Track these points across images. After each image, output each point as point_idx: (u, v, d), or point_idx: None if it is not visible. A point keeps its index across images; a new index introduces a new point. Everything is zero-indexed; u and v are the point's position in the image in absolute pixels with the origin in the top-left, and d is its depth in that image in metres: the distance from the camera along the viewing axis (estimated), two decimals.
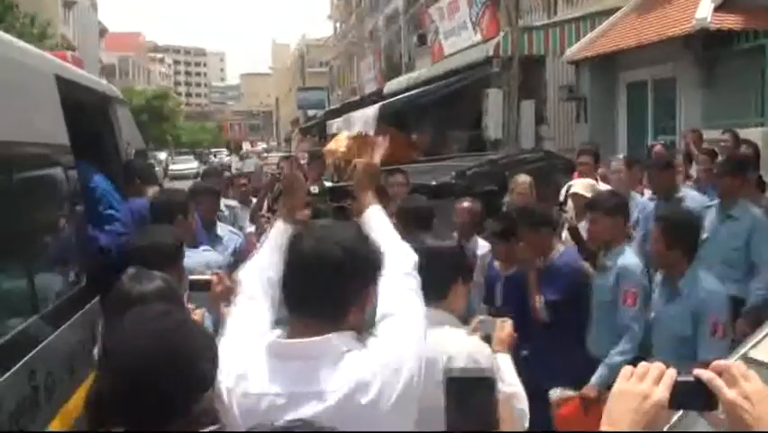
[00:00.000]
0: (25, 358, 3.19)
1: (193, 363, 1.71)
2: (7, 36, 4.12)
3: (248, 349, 1.92)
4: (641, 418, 1.37)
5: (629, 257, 4.28)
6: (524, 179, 6.31)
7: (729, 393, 1.38)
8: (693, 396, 1.40)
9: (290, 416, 1.71)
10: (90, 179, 4.90)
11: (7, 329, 3.20)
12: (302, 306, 1.87)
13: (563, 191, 6.89)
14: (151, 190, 5.37)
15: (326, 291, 1.85)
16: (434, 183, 7.39)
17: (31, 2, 27.66)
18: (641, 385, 1.39)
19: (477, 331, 2.65)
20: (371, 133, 17.65)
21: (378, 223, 2.37)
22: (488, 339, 2.60)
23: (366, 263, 1.90)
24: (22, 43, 4.46)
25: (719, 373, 1.40)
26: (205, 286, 3.15)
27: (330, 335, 1.83)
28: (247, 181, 8.76)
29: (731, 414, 1.38)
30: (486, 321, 2.74)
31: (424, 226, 4.39)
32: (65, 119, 4.44)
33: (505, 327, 2.69)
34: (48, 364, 3.41)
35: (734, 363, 1.43)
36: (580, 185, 6.06)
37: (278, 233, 2.35)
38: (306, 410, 1.75)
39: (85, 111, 5.32)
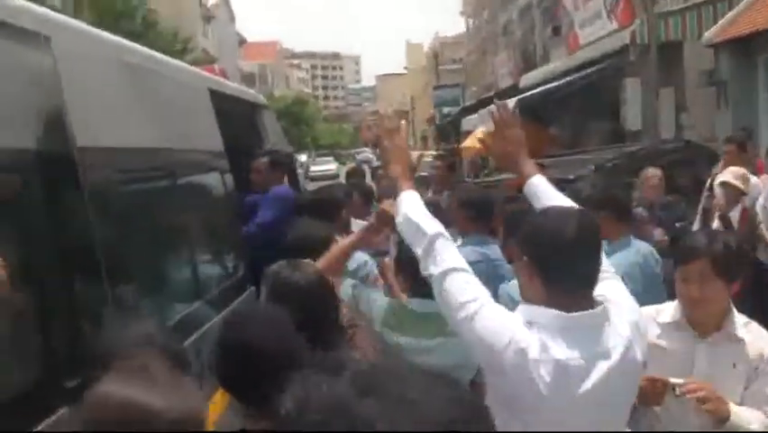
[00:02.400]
0: (192, 337, 3.57)
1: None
2: (170, 59, 4.62)
3: (517, 321, 2.06)
4: None
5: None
6: (653, 171, 6.22)
7: None
8: None
9: (590, 376, 1.98)
10: None
11: (179, 310, 3.63)
12: (586, 280, 2.09)
13: (710, 181, 6.72)
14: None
15: (597, 266, 2.12)
16: (571, 177, 7.45)
17: (172, 17, 29.31)
18: None
19: None
20: None
21: (547, 191, 2.59)
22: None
23: None
24: (181, 63, 4.97)
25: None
26: None
27: (603, 305, 2.08)
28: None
29: None
30: None
31: None
32: (218, 127, 4.89)
33: None
34: (211, 344, 3.80)
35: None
36: (730, 173, 5.96)
37: (415, 198, 2.44)
38: (599, 370, 2.00)
39: (235, 119, 5.77)
